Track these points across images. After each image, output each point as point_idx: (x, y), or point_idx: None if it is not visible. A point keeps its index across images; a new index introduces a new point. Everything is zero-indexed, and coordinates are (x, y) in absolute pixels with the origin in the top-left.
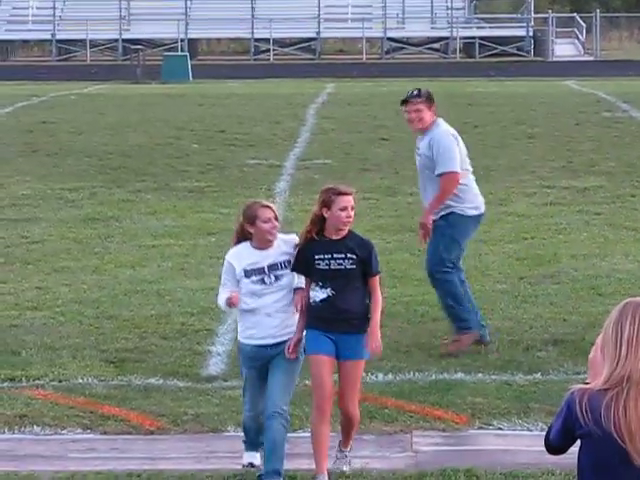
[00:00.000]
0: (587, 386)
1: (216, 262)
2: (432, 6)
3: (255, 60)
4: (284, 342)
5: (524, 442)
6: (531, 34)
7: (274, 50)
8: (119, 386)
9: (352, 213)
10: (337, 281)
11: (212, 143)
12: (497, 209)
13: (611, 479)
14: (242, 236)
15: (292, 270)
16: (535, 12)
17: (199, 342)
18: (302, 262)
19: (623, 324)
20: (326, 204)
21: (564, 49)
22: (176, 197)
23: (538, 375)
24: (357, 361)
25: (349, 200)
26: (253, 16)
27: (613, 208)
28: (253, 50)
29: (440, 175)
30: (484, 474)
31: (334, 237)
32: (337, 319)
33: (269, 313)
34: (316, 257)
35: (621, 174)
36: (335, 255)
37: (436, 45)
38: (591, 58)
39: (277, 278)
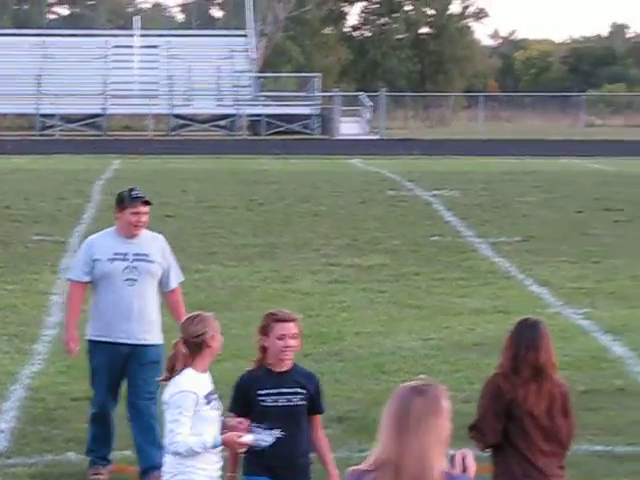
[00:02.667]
0: (359, 467)
1: None
2: (218, 83)
3: (41, 136)
4: None
5: None
6: (317, 112)
7: (60, 126)
8: None
9: (293, 342)
10: (285, 421)
11: None
12: (282, 287)
13: None
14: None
15: (230, 410)
16: (321, 90)
17: None
18: (242, 399)
19: (390, 407)
20: (264, 331)
21: (350, 127)
22: None
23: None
24: None
25: (289, 327)
26: (39, 91)
27: (397, 286)
28: (39, 125)
29: (174, 289)
30: None
31: (277, 369)
32: (286, 465)
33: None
34: (259, 392)
35: (405, 252)
36: (283, 390)
37: (222, 122)
38: (376, 137)
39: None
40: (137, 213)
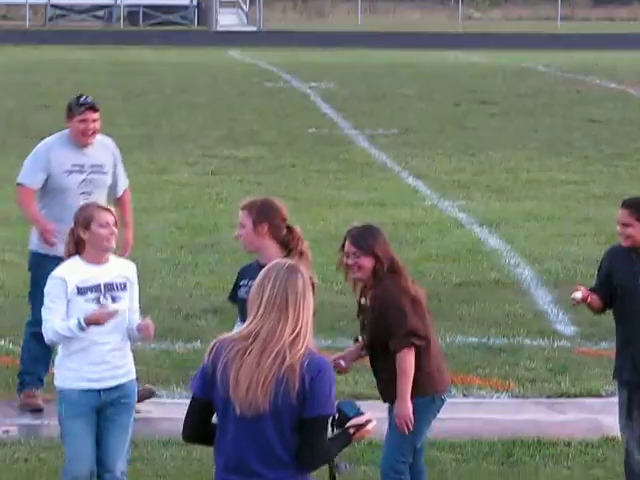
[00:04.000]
0: (226, 335)
1: None
2: None
3: None
4: (121, 386)
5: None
6: (195, 3)
7: None
8: None
9: (239, 232)
10: None
11: None
12: (158, 177)
13: (224, 425)
14: (74, 248)
15: (228, 298)
16: None
17: None
18: (234, 287)
19: (265, 285)
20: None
21: (228, 19)
22: None
23: (197, 343)
24: None
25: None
26: None
27: (274, 178)
28: None
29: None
30: (143, 441)
31: (263, 261)
32: None
33: (103, 344)
34: (240, 282)
35: (282, 144)
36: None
37: (100, 12)
38: (255, 28)
39: (114, 300)
40: (85, 120)
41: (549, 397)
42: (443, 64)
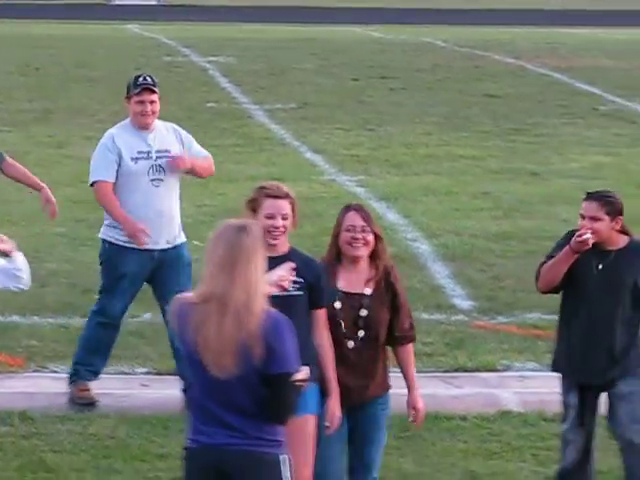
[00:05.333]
0: (185, 296)
1: None
2: None
3: None
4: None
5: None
6: None
7: None
8: None
9: (284, 223)
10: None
11: None
12: (56, 152)
13: (199, 386)
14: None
15: None
16: None
17: None
18: None
19: (216, 246)
20: (252, 206)
21: None
22: None
23: None
24: (305, 417)
25: (276, 205)
26: None
27: None
28: None
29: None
30: (39, 416)
31: (269, 253)
32: None
33: None
34: None
35: (181, 119)
36: None
37: None
38: (153, 2)
39: None
40: (142, 102)
41: (446, 371)
42: (343, 39)
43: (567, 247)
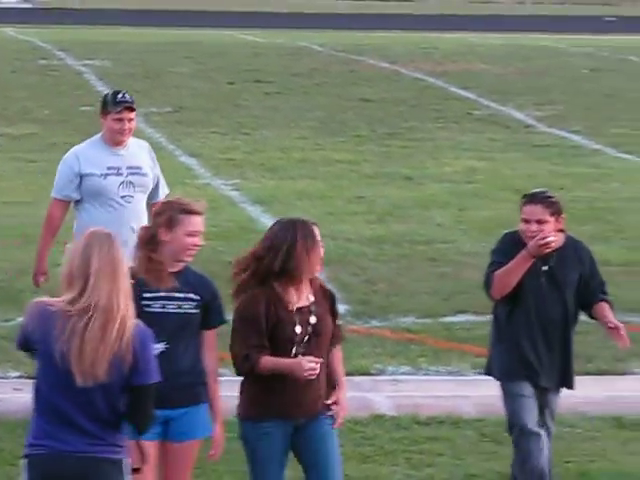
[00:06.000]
0: (47, 301)
1: None
2: None
3: None
4: None
5: None
6: None
7: None
8: None
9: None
10: (174, 331)
11: None
12: None
13: (62, 397)
14: None
15: None
16: None
17: None
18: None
19: (90, 255)
20: (169, 223)
21: None
22: None
23: None
24: (193, 441)
25: (200, 223)
26: None
27: (47, 156)
28: None
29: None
30: None
31: (170, 269)
32: (173, 386)
33: None
34: (145, 296)
35: (55, 122)
36: (172, 294)
37: None
38: (29, 5)
39: None
40: (120, 120)
41: None
42: (219, 43)
43: (524, 252)
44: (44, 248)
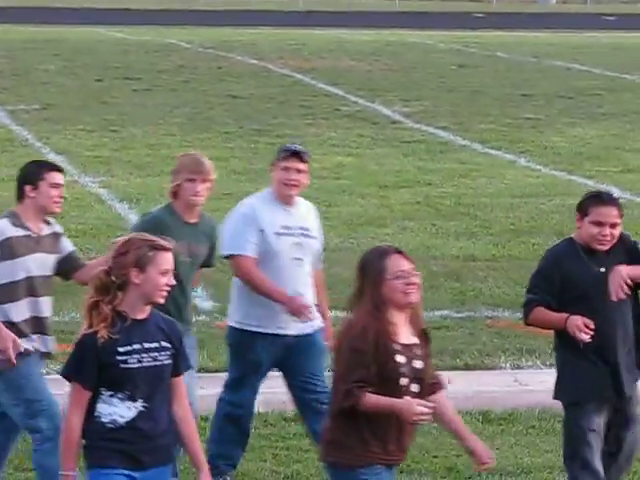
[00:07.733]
0: None
1: None
2: None
3: None
4: None
5: None
6: None
7: None
8: None
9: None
10: (150, 387)
11: None
12: None
13: None
14: None
15: (68, 375)
16: None
17: None
18: (93, 361)
19: None
20: (139, 263)
21: None
22: None
23: None
24: None
25: (171, 260)
26: None
27: None
28: None
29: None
30: None
31: (139, 316)
32: (150, 448)
33: None
34: (120, 350)
35: None
36: (146, 344)
37: None
38: None
39: None
40: (288, 169)
41: None
42: (86, 40)
43: (563, 321)
44: (278, 288)
